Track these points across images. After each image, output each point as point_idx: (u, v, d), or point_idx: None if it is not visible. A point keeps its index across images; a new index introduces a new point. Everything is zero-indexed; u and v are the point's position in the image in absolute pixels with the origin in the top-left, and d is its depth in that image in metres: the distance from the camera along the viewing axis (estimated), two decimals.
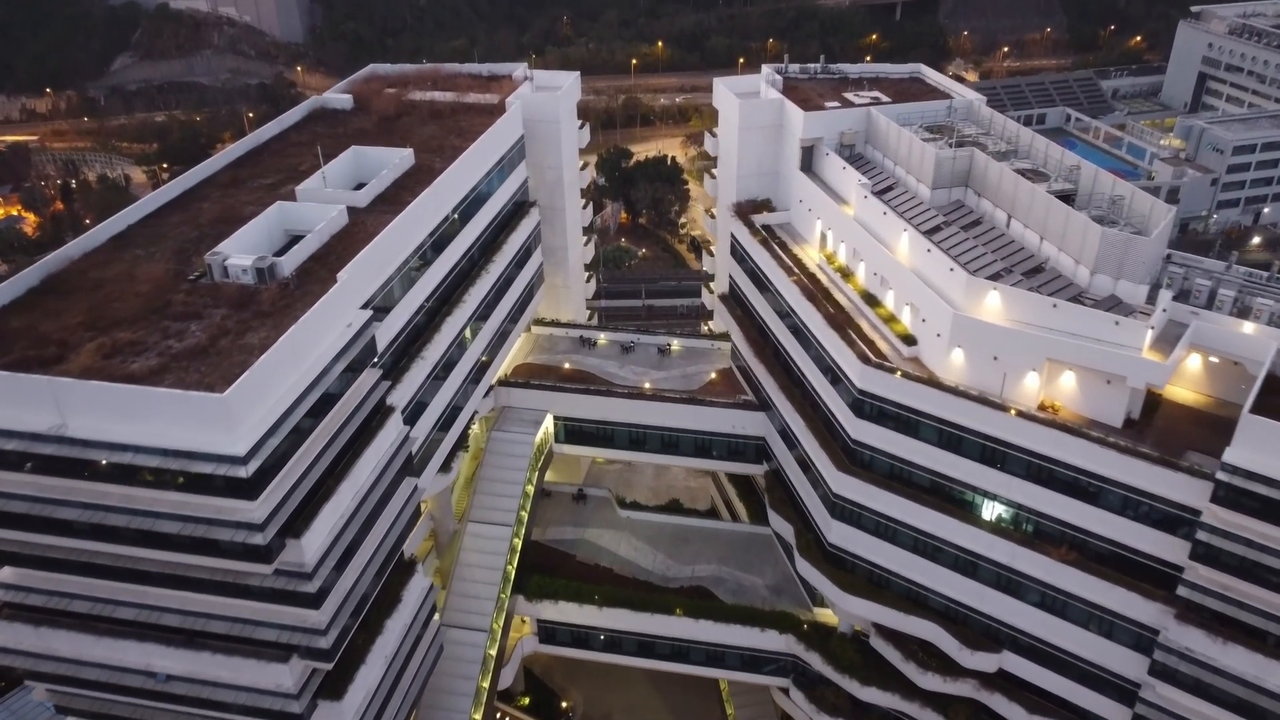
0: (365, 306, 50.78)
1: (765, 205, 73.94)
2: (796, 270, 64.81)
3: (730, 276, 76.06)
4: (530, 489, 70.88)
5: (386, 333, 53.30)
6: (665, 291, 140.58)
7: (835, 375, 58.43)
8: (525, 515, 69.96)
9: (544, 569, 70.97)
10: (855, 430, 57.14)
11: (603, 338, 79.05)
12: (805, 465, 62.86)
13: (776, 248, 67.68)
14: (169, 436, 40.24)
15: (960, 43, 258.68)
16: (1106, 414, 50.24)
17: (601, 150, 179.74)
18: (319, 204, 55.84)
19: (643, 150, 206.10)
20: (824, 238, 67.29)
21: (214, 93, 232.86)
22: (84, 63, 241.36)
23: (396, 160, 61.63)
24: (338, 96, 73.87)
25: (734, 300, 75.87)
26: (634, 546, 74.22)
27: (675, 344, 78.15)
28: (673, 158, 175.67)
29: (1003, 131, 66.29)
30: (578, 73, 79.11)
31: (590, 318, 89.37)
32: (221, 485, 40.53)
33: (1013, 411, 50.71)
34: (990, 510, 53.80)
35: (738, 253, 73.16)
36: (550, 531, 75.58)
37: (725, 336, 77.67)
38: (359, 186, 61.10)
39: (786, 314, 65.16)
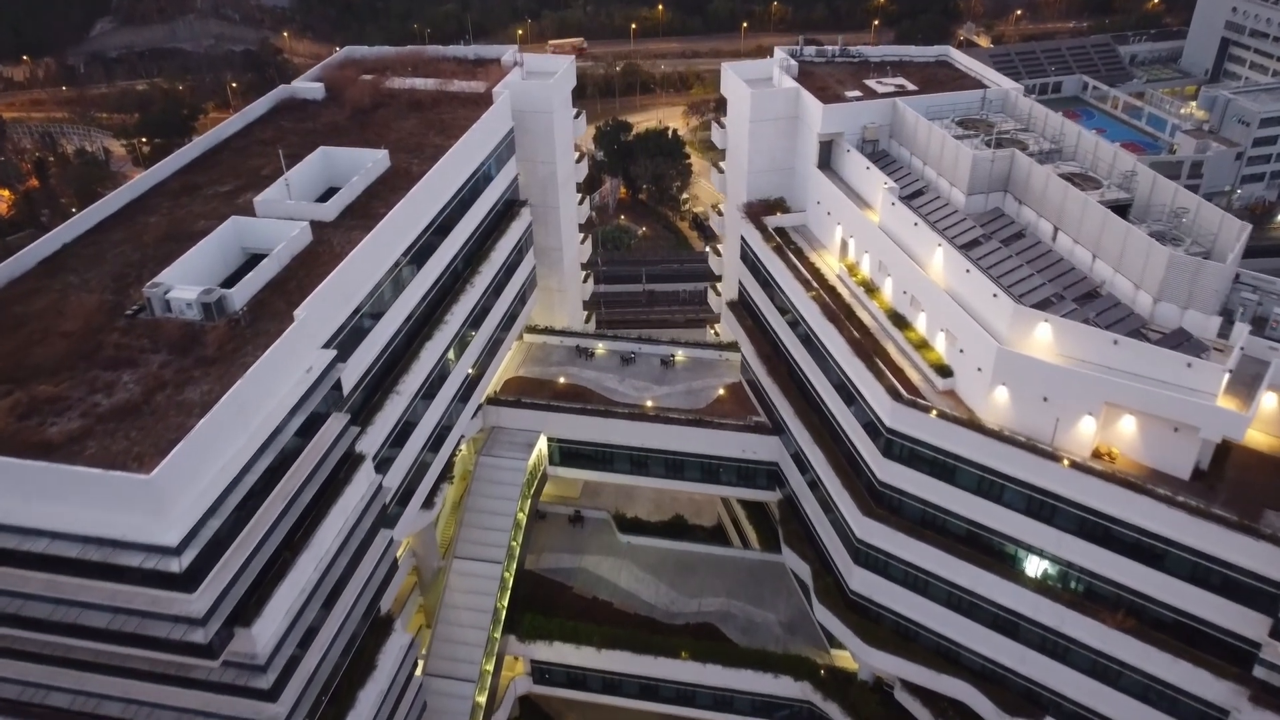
0: (330, 343, 44.55)
1: (779, 205, 67.36)
2: (816, 285, 58.38)
3: (740, 283, 69.66)
4: (522, 517, 65.16)
5: (355, 368, 47.15)
6: (667, 275, 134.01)
7: (861, 409, 52.34)
8: (517, 545, 64.31)
9: (538, 602, 65.49)
10: (883, 472, 51.19)
11: (601, 347, 72.82)
12: (826, 504, 57.00)
13: (792, 256, 61.18)
14: (91, 521, 34.25)
15: (971, 4, 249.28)
16: (1172, 464, 44.25)
17: (600, 122, 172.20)
18: (279, 220, 49.37)
19: (643, 120, 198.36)
20: (845, 245, 60.84)
21: (197, 59, 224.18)
22: (63, 29, 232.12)
23: (369, 164, 55.03)
24: (308, 85, 66.96)
25: (744, 309, 69.53)
26: (635, 576, 68.60)
27: (680, 355, 71.97)
28: (674, 130, 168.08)
29: (1044, 127, 59.57)
30: (572, 58, 72.07)
31: (588, 319, 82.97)
32: (154, 577, 34.59)
33: (1066, 462, 44.69)
34: (1035, 566, 48.02)
35: (749, 259, 66.70)
36: (545, 559, 69.94)
37: (734, 346, 71.50)
38: (328, 193, 54.82)
39: (805, 334, 58.88)
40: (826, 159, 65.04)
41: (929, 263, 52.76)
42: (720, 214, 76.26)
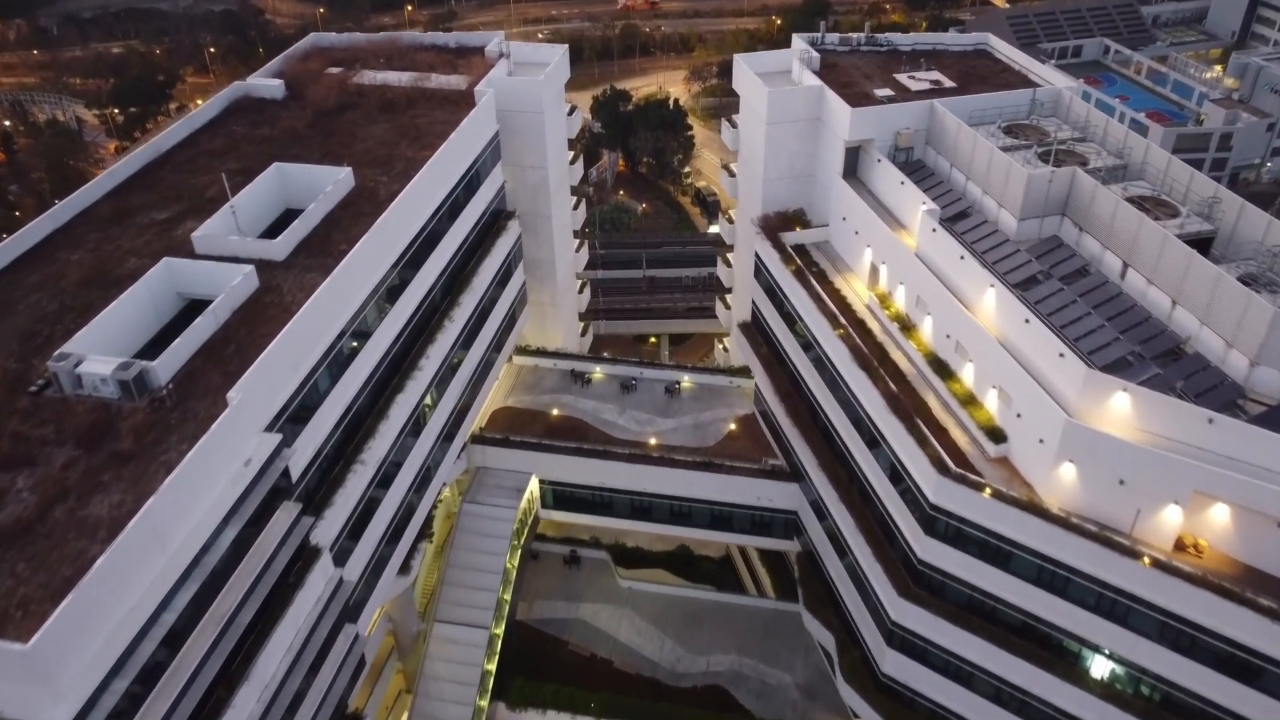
0: (275, 424, 37.45)
1: (798, 219, 59.85)
2: (843, 320, 51.12)
3: (753, 303, 62.34)
4: (512, 566, 58.62)
5: (308, 444, 40.12)
6: (669, 259, 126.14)
7: (899, 475, 45.47)
8: (507, 599, 57.85)
9: (530, 660, 59.18)
10: (924, 550, 44.45)
11: (598, 371, 65.71)
12: (854, 574, 50.36)
13: (816, 284, 53.82)
14: None
15: None
16: (1273, 562, 37.51)
17: (597, 91, 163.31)
18: (221, 262, 41.98)
19: (642, 85, 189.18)
20: (875, 270, 53.52)
21: (175, 20, 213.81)
22: None
23: (330, 185, 47.44)
24: (266, 83, 58.95)
25: (757, 333, 62.30)
26: (637, 628, 62.19)
27: (686, 380, 64.87)
28: (676, 100, 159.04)
29: (1103, 135, 51.98)
30: (565, 47, 63.91)
31: (584, 332, 75.68)
32: None
33: (1146, 561, 37.89)
34: (1102, 668, 41.49)
35: (764, 279, 59.35)
36: (538, 607, 63.48)
37: (745, 372, 64.40)
38: (285, 218, 47.50)
39: (831, 377, 51.79)
40: (853, 167, 57.53)
41: (978, 303, 45.56)
42: (731, 221, 68.63)
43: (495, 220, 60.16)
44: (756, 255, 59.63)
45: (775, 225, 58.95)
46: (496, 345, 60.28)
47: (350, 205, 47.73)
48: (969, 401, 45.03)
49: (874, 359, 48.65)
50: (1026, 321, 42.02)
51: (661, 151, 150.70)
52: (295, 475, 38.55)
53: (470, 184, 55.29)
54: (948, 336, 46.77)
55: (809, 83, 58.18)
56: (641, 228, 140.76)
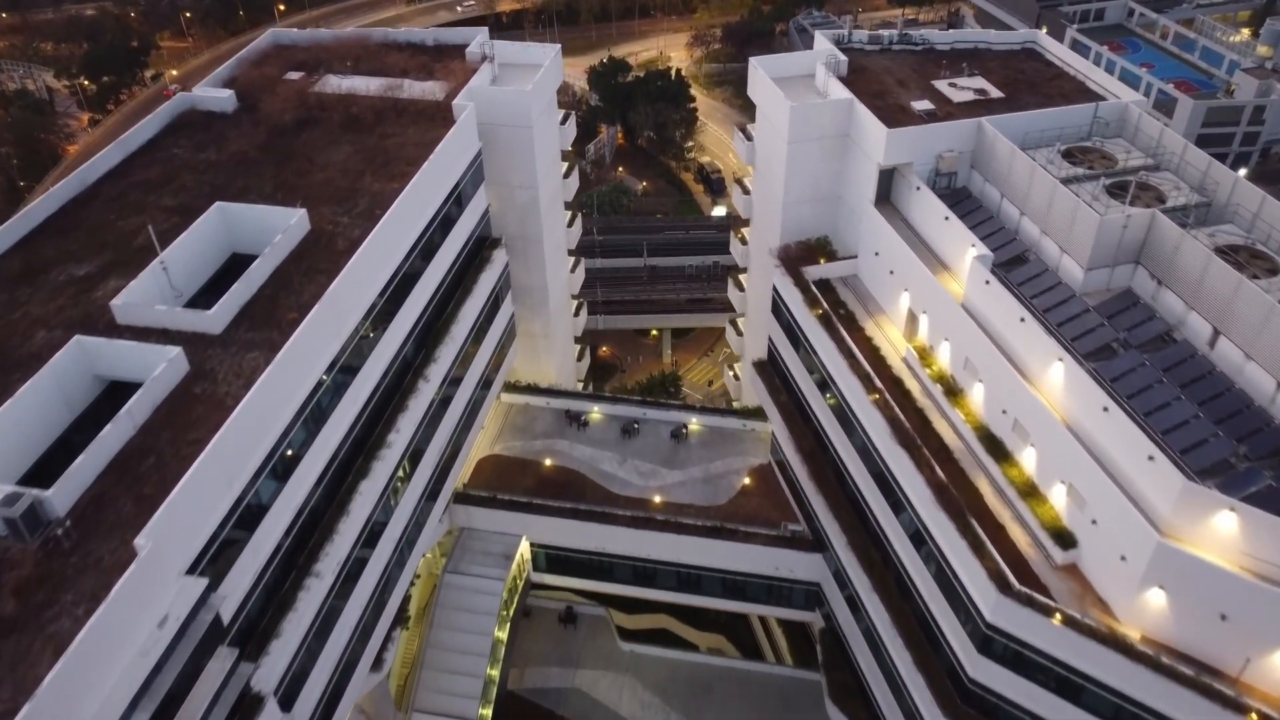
0: (200, 562, 30.80)
1: (822, 248, 52.71)
2: (878, 380, 44.23)
3: (770, 341, 55.39)
4: (502, 636, 52.54)
5: (245, 573, 33.50)
6: (671, 246, 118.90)
7: (947, 580, 39.00)
8: (495, 675, 51.83)
9: None
10: (976, 669, 38.10)
11: (596, 412, 58.98)
12: (889, 675, 44.12)
13: (844, 333, 46.85)
14: None
15: None
16: None
17: (595, 59, 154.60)
18: (143, 344, 35.02)
19: (642, 50, 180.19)
20: (913, 318, 46.58)
21: None
22: None
23: (280, 233, 40.26)
24: (214, 94, 51.35)
25: (775, 375, 55.45)
26: (640, 700, 56.20)
27: (694, 423, 58.18)
28: (678, 70, 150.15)
29: (1179, 162, 44.70)
30: (558, 46, 56.15)
31: (580, 356, 68.76)
32: None
33: (1254, 718, 31.54)
34: None
35: (783, 317, 52.39)
36: (530, 675, 57.43)
37: (760, 414, 57.69)
38: (229, 268, 40.64)
39: (863, 445, 45.13)
40: (886, 191, 50.37)
41: (1041, 376, 38.72)
42: (744, 243, 61.34)
43: (478, 250, 53.05)
44: (775, 289, 52.58)
45: (796, 257, 51.83)
46: (483, 386, 53.52)
47: (304, 257, 40.60)
48: (1030, 493, 38.39)
49: (916, 433, 41.90)
50: (1105, 410, 35.20)
51: (663, 126, 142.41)
52: (228, 618, 32.02)
53: (447, 218, 48.15)
54: (1003, 412, 39.99)
55: (837, 94, 50.74)
56: (642, 209, 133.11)
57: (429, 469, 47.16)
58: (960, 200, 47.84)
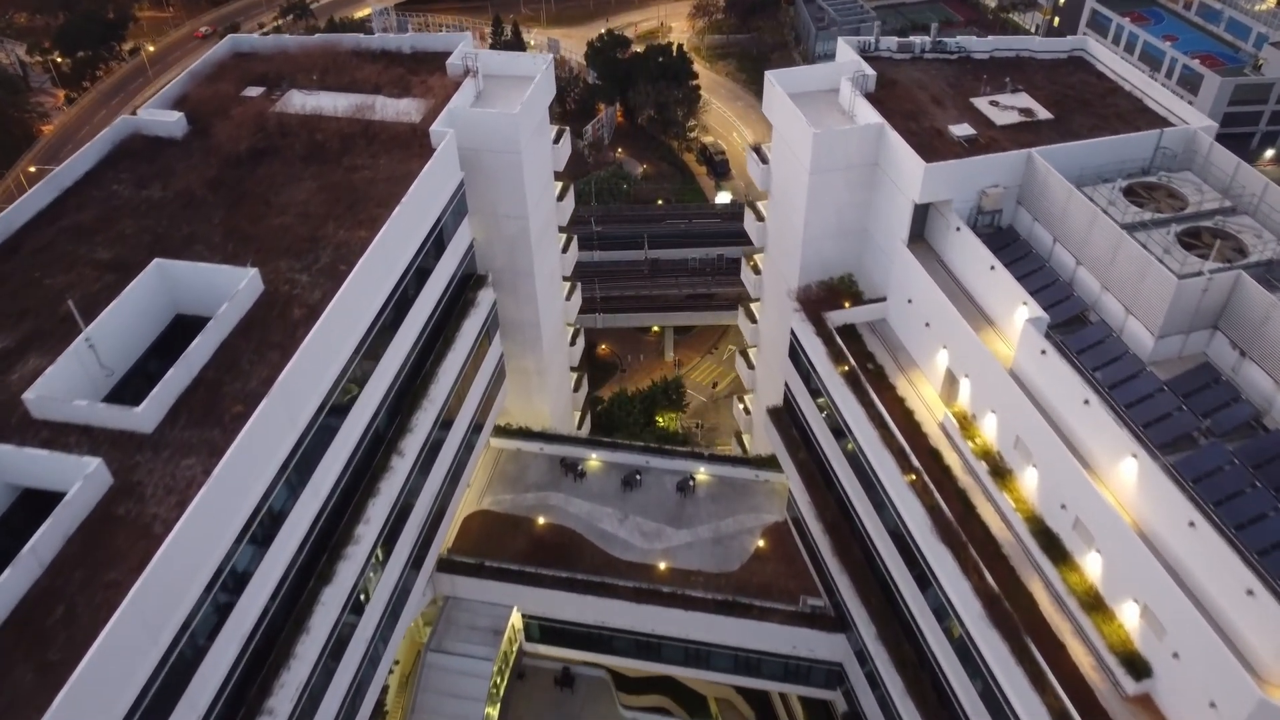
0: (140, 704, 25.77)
1: (845, 289, 47.17)
2: (915, 460, 38.86)
3: (787, 388, 49.95)
4: (494, 712, 47.80)
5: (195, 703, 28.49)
6: (673, 237, 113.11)
7: (998, 705, 33.94)
8: None
9: None
10: None
11: (594, 459, 53.72)
12: None
13: (874, 396, 41.41)
14: None
15: None
16: None
17: (593, 32, 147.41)
18: (56, 453, 29.64)
19: (642, 20, 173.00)
20: (952, 379, 41.14)
21: None
22: None
23: (227, 300, 34.71)
24: (161, 118, 45.35)
25: (793, 427, 50.06)
26: None
27: (701, 473, 52.95)
28: (679, 46, 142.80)
29: (1258, 203, 39.01)
30: (550, 56, 49.96)
31: (576, 387, 63.30)
32: None
33: None
34: None
35: (801, 366, 46.96)
36: None
37: (774, 464, 52.46)
38: (173, 332, 35.25)
39: (895, 528, 39.90)
40: (920, 226, 44.67)
41: (1108, 468, 33.41)
42: (756, 271, 55.60)
43: (461, 292, 47.48)
44: (793, 333, 47.07)
45: (818, 300, 46.27)
46: (466, 446, 48.22)
47: (255, 327, 35.03)
48: (1095, 606, 33.22)
49: (957, 519, 36.65)
50: (1192, 526, 29.93)
51: (664, 106, 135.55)
52: None
53: (424, 265, 42.52)
54: (1062, 506, 34.71)
55: (865, 117, 44.85)
56: (642, 194, 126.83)
57: (406, 547, 42.03)
58: (1007, 244, 42.18)
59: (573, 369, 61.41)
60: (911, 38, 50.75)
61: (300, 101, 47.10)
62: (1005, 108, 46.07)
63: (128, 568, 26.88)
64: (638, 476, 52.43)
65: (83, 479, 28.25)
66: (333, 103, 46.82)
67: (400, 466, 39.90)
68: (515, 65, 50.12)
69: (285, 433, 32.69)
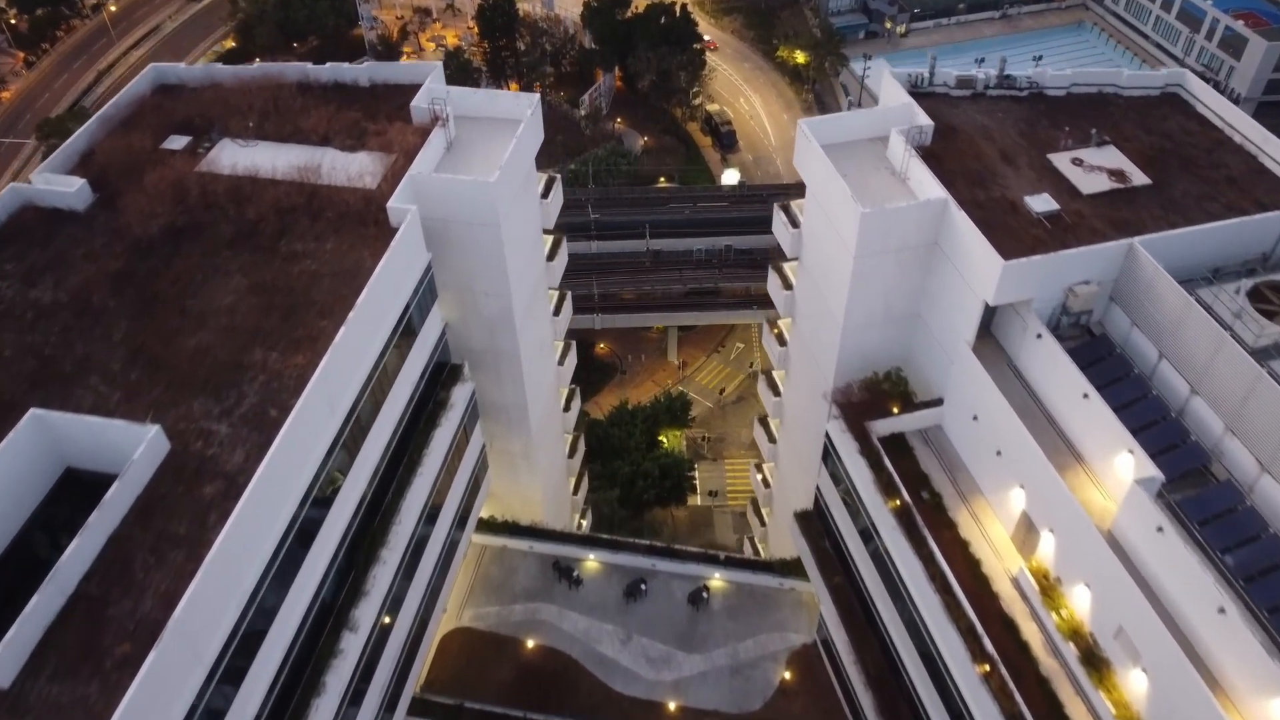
0: None
1: (893, 390, 39.25)
2: (987, 642, 31.42)
3: (819, 493, 42.30)
4: None
5: None
6: (677, 226, 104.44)
7: None
8: None
9: None
10: None
11: (592, 560, 46.35)
12: None
13: (932, 545, 33.85)
14: None
15: None
16: None
17: None
18: None
19: None
20: (1028, 525, 33.54)
21: None
22: None
23: (125, 462, 26.92)
24: (59, 187, 36.85)
25: (825, 540, 42.49)
26: None
27: (717, 579, 45.63)
28: (683, 5, 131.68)
29: None
30: (535, 98, 41.05)
31: (572, 451, 55.52)
32: None
33: None
34: None
35: (840, 477, 39.30)
36: None
37: (798, 569, 45.12)
38: (62, 489, 28.07)
39: (959, 714, 32.67)
40: (987, 319, 36.61)
41: (1250, 698, 26.05)
42: (782, 342, 47.41)
43: (433, 388, 39.52)
44: (829, 439, 39.32)
45: (860, 406, 38.38)
46: (440, 570, 40.71)
47: (156, 508, 27.29)
48: None
49: None
50: None
51: (667, 74, 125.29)
52: None
53: (382, 380, 34.54)
54: None
55: (922, 183, 36.48)
56: (642, 173, 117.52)
57: (377, 694, 34.93)
58: (1100, 358, 34.13)
59: (568, 431, 53.58)
60: (973, 71, 41.99)
61: (232, 158, 38.62)
62: (1091, 168, 37.72)
63: None
64: (642, 586, 45.14)
65: None
66: (271, 160, 38.35)
67: (353, 642, 32.48)
68: (494, 106, 41.44)
69: (190, 669, 25.16)
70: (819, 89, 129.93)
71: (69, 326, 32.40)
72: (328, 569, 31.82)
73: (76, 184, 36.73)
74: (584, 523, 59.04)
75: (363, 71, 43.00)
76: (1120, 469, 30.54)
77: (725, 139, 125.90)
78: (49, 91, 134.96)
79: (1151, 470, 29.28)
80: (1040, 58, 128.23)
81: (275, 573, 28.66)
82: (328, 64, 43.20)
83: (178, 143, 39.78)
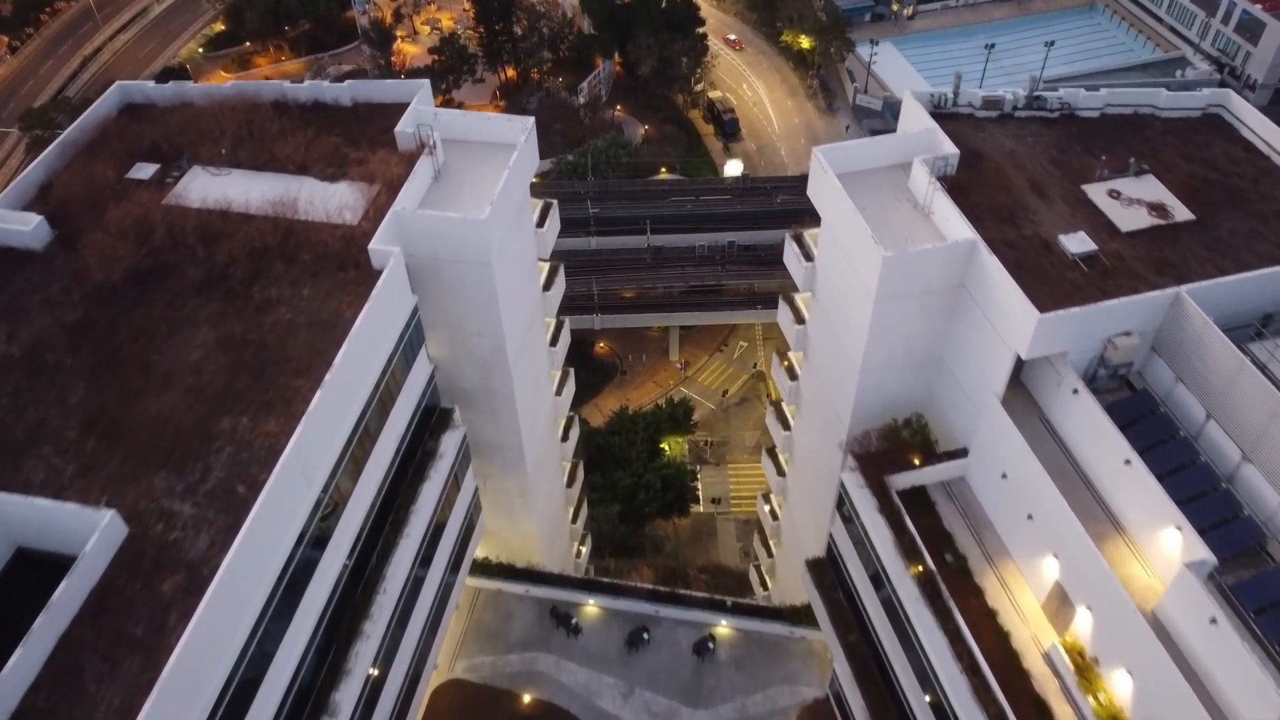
0: None
1: (914, 439, 36.60)
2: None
3: (832, 541, 39.79)
4: None
5: None
6: (679, 221, 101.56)
7: None
8: None
9: None
10: None
11: (591, 605, 43.95)
12: None
13: (958, 618, 31.42)
14: None
15: None
16: None
17: None
18: None
19: None
20: (1062, 596, 31.08)
21: None
22: None
23: (67, 579, 24.36)
24: (14, 225, 34.02)
25: (839, 592, 40.02)
26: None
27: (723, 627, 43.24)
28: None
29: None
30: (531, 120, 38.04)
31: (570, 480, 52.95)
32: None
33: None
34: None
35: (855, 530, 36.80)
36: None
37: (808, 616, 42.70)
38: (15, 571, 25.59)
39: None
40: (1016, 373, 33.91)
41: None
42: (792, 376, 44.66)
43: (421, 436, 36.91)
44: (844, 490, 36.78)
45: (878, 456, 35.77)
46: (432, 626, 38.27)
47: (109, 610, 24.75)
48: None
49: None
50: None
51: (668, 61, 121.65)
52: None
53: (365, 436, 31.93)
54: None
55: (947, 220, 33.67)
56: (643, 164, 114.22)
57: None
58: (1142, 416, 31.46)
59: (567, 457, 51.07)
60: (1001, 92, 39.01)
61: (202, 190, 35.80)
62: (1130, 201, 34.91)
63: None
64: (645, 635, 42.76)
65: None
66: (245, 192, 35.54)
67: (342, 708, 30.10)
68: (485, 129, 38.49)
69: None
70: (824, 74, 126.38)
71: (21, 388, 29.77)
72: (304, 653, 29.36)
73: (33, 221, 33.94)
74: (584, 549, 56.65)
75: (344, 90, 40.02)
76: (1166, 545, 28.02)
77: (728, 127, 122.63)
78: (33, 78, 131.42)
79: (1203, 552, 26.71)
80: (1052, 43, 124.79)
81: (245, 668, 26.20)
82: (306, 82, 40.30)
83: (144, 171, 36.92)
